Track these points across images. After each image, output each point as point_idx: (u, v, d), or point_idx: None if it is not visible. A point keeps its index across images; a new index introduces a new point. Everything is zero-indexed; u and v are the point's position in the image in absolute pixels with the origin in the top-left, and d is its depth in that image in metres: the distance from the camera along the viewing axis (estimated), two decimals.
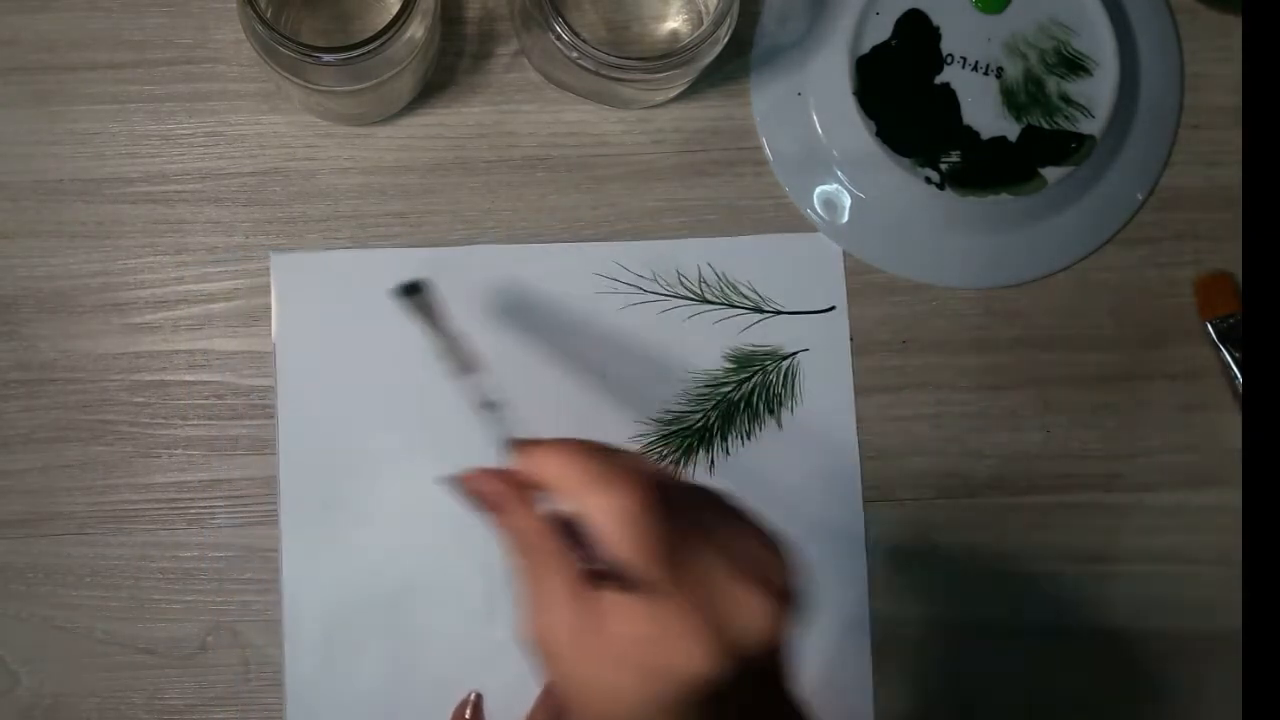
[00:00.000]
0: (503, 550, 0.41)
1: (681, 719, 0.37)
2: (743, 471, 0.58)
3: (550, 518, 0.39)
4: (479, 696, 0.55)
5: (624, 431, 0.58)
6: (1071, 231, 0.60)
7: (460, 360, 0.50)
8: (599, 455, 0.39)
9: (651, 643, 0.37)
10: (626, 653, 0.37)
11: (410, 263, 0.58)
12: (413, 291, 0.52)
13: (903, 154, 0.58)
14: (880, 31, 0.59)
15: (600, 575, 0.38)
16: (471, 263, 0.58)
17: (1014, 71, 0.59)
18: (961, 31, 0.59)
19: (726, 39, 0.54)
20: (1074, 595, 0.59)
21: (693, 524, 0.38)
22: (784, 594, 0.38)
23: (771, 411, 0.59)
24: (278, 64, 0.51)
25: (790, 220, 0.60)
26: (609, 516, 0.37)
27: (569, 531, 0.39)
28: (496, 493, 0.40)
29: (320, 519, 0.57)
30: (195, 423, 0.57)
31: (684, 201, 0.60)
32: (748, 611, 0.37)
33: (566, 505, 0.39)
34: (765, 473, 0.58)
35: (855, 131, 0.58)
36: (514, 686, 0.53)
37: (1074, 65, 0.59)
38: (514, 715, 0.53)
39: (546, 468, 0.39)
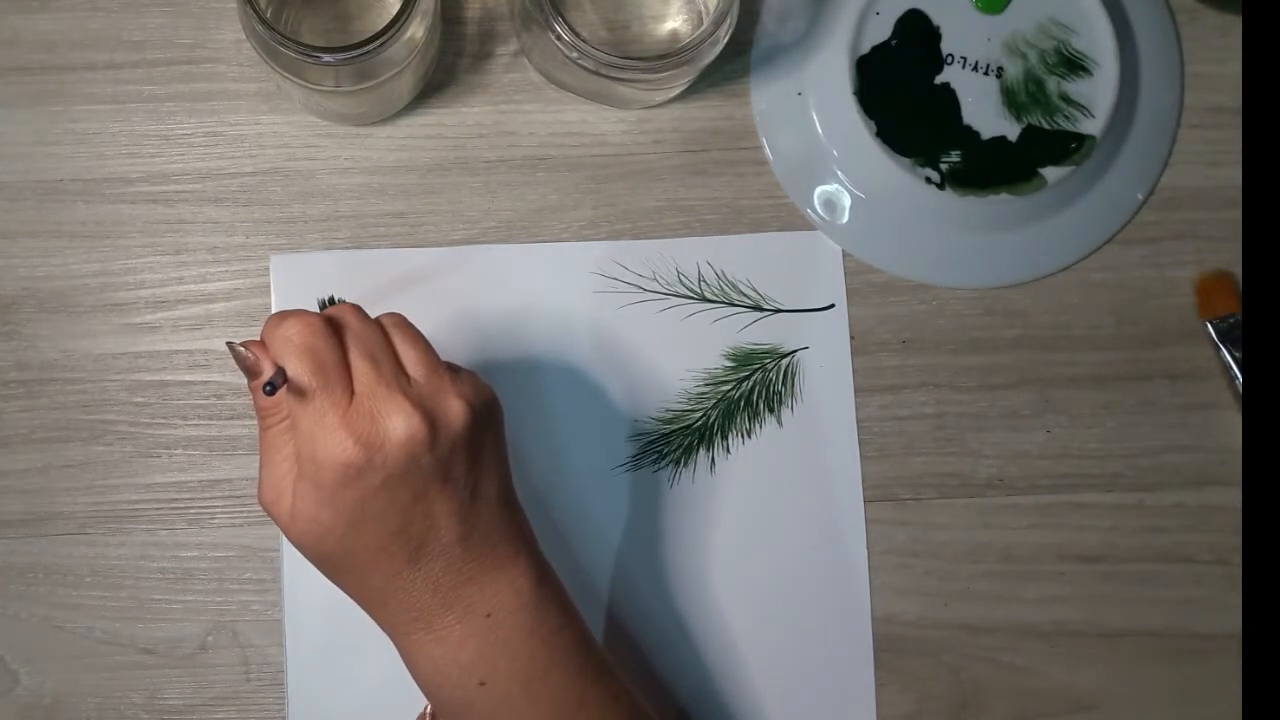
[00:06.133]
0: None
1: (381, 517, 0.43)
2: (743, 470, 0.58)
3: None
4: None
5: (624, 430, 0.58)
6: (1071, 231, 0.60)
7: None
8: (295, 311, 0.45)
9: (309, 438, 0.43)
10: (301, 456, 0.43)
11: (410, 263, 0.58)
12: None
13: (903, 154, 0.58)
14: (880, 31, 0.59)
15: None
16: (471, 263, 0.58)
17: (1014, 71, 0.59)
18: (961, 31, 0.59)
19: (726, 39, 0.54)
20: (1075, 595, 0.59)
21: (372, 346, 0.44)
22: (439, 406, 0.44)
23: (772, 410, 0.59)
24: (278, 64, 0.51)
25: (790, 220, 0.60)
26: (279, 344, 0.43)
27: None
28: (250, 358, 0.45)
29: None
30: (195, 423, 0.57)
31: (684, 201, 0.60)
32: (395, 417, 0.43)
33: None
34: (766, 471, 0.58)
35: (855, 131, 0.58)
36: None
37: (1074, 65, 0.59)
38: None
39: (263, 332, 0.45)
